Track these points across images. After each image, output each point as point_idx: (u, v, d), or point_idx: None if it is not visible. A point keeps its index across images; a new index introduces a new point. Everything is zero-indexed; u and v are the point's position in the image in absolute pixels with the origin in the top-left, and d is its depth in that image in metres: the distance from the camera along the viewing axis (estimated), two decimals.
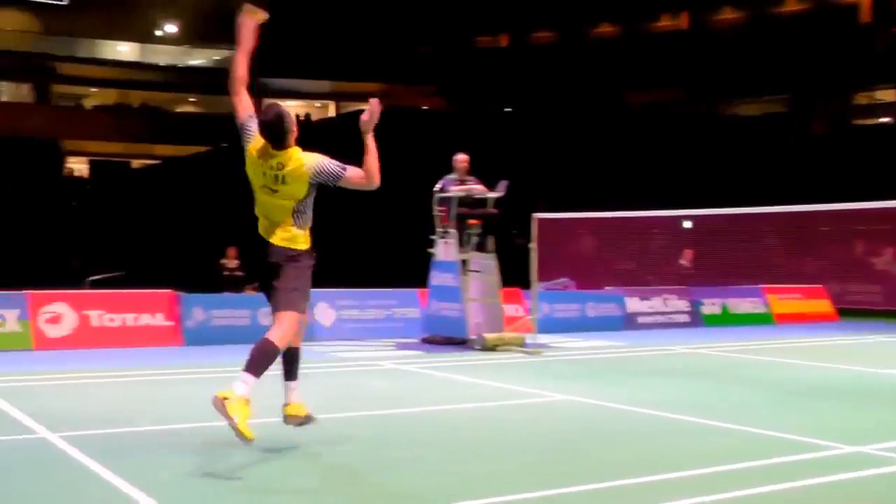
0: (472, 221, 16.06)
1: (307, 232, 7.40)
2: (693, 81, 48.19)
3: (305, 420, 7.71)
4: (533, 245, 15.18)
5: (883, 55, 43.01)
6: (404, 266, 19.27)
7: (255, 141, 7.43)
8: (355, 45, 54.51)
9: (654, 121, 43.98)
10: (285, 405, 7.67)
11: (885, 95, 48.61)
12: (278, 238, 7.28)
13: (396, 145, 34.27)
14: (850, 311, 23.54)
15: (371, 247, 28.00)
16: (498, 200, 16.04)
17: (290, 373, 7.67)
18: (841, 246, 28.78)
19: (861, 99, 49.11)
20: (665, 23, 53.41)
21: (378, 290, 17.82)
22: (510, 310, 17.63)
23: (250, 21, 7.68)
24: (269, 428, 8.30)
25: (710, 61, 47.91)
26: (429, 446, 8.00)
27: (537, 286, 15.70)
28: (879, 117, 48.54)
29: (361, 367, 13.20)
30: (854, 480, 6.84)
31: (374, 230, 29.42)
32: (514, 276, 17.22)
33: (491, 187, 16.05)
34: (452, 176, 16.14)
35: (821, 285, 24.02)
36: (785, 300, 22.67)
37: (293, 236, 7.30)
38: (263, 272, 7.41)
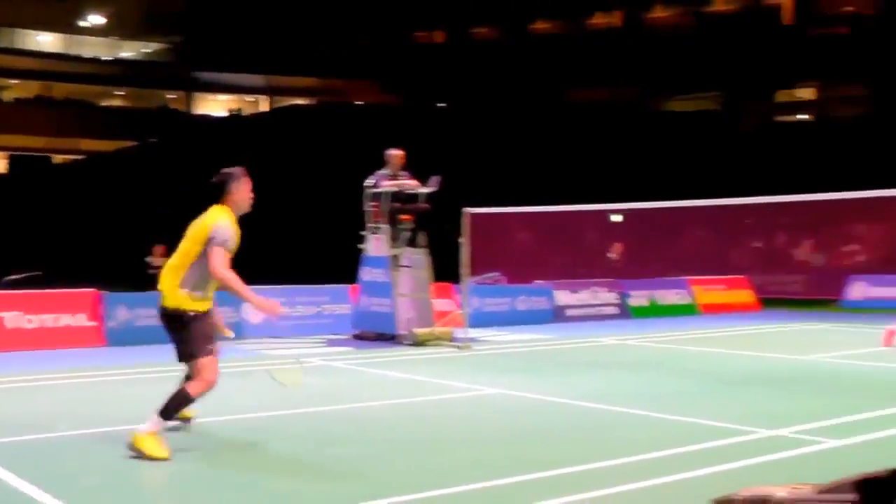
0: (403, 217, 16.12)
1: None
2: (627, 78, 48.69)
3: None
4: (464, 240, 15.29)
5: (804, 55, 43.82)
6: (335, 262, 19.30)
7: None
8: (290, 39, 54.21)
9: (589, 117, 44.41)
10: None
11: (805, 94, 49.60)
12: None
13: (331, 140, 34.36)
14: (772, 301, 24.04)
15: (302, 242, 27.97)
16: (430, 195, 16.12)
17: None
18: (763, 238, 29.35)
19: (783, 97, 50.03)
20: (600, 20, 53.83)
21: (308, 287, 17.81)
22: (441, 304, 17.75)
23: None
24: (202, 427, 8.37)
25: (644, 59, 48.44)
26: (361, 443, 8.04)
27: (468, 281, 15.82)
28: (799, 114, 49.50)
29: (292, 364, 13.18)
30: (771, 462, 7.13)
31: (305, 225, 29.38)
32: (445, 270, 17.33)
33: (424, 182, 16.13)
34: (385, 171, 16.16)
35: (744, 276, 24.52)
36: (709, 291, 23.10)
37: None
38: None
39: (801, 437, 8.05)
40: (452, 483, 6.53)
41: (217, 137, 42.29)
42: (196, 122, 53.07)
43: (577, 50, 50.86)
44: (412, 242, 16.21)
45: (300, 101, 53.57)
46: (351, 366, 13.15)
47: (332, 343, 15.89)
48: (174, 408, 7.29)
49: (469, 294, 16.24)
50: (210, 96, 58.99)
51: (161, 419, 7.16)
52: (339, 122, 38.10)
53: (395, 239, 16.04)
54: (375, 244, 16.14)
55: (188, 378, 7.56)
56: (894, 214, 25.49)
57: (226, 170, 7.73)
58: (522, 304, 19.79)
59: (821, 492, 2.74)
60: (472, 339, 15.63)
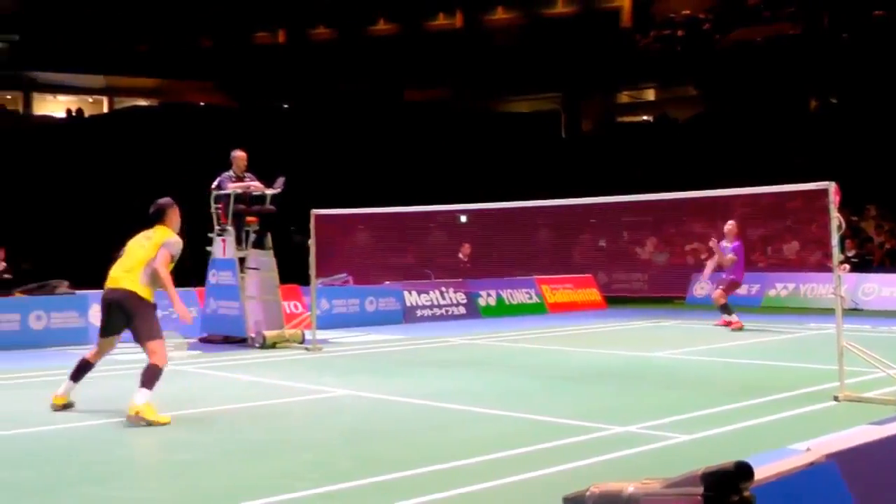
0: (249, 219, 15.93)
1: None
2: (468, 79, 49.05)
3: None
4: (311, 241, 15.17)
5: (643, 57, 44.94)
6: (181, 264, 18.87)
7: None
8: (130, 39, 53.03)
9: (431, 117, 44.58)
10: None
11: (646, 95, 50.86)
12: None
13: (173, 141, 33.74)
14: (618, 299, 24.51)
15: None
16: (275, 197, 15.97)
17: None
18: (608, 237, 29.94)
19: (624, 98, 51.16)
20: (441, 22, 54.18)
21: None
22: (289, 307, 17.59)
23: None
24: (42, 433, 8.09)
25: (484, 60, 48.89)
26: (208, 448, 7.90)
27: (316, 282, 15.70)
28: (641, 115, 50.71)
29: (136, 369, 12.86)
30: (621, 458, 7.23)
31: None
32: (293, 272, 17.16)
33: (269, 184, 15.97)
34: (229, 173, 15.92)
35: (590, 275, 24.94)
36: (557, 290, 23.42)
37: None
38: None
39: (650, 432, 8.19)
40: (299, 487, 6.45)
41: (58, 138, 41.06)
42: (36, 123, 51.42)
43: (417, 51, 51.08)
44: (259, 244, 16.04)
45: (141, 102, 52.51)
46: (199, 369, 12.91)
47: (179, 347, 15.56)
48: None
49: (317, 296, 16.12)
50: (50, 97, 57.24)
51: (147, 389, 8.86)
52: (182, 124, 37.42)
53: (241, 241, 15.84)
54: (222, 247, 15.90)
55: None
56: (731, 214, 26.29)
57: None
58: (371, 305, 19.74)
59: (669, 486, 2.76)
60: (322, 341, 15.52)
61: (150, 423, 8.59)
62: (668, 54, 43.96)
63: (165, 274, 9.44)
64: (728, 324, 17.76)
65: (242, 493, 6.28)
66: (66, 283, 16.70)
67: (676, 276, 25.62)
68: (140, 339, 9.27)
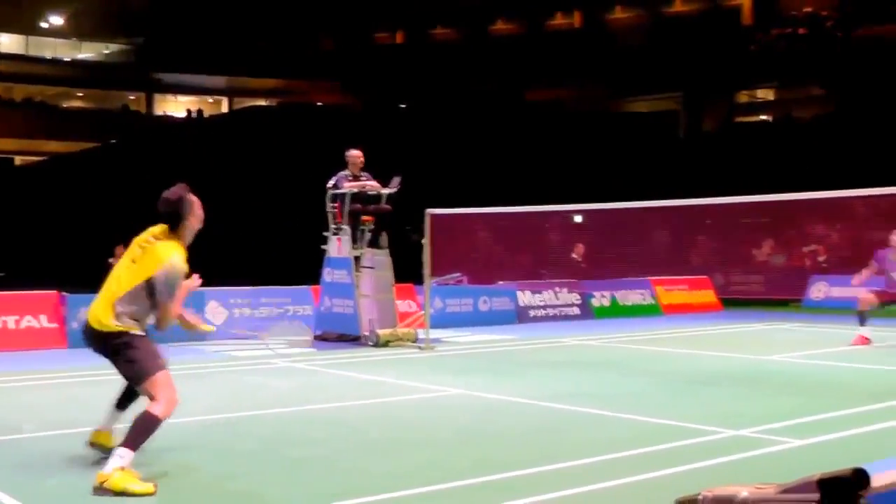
0: (365, 218, 16.08)
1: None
2: (588, 79, 48.76)
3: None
4: (426, 241, 15.25)
5: (762, 56, 44.15)
6: (297, 263, 19.21)
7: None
8: (251, 40, 54.07)
9: (549, 117, 44.45)
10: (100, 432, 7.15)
11: (766, 94, 49.94)
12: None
13: (291, 141, 34.26)
14: (734, 301, 24.14)
15: (263, 243, 27.82)
16: (391, 196, 16.10)
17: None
18: (724, 238, 29.50)
19: (743, 97, 50.34)
20: (559, 21, 53.99)
21: (270, 288, 17.70)
22: (403, 305, 17.72)
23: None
24: (166, 428, 8.29)
25: (604, 59, 48.56)
26: (323, 445, 7.99)
27: (430, 281, 15.78)
28: (760, 115, 49.83)
29: (254, 365, 13.13)
30: (734, 462, 7.14)
31: (267, 226, 29.23)
32: (407, 271, 17.29)
33: (384, 183, 16.11)
34: (346, 172, 16.12)
35: (706, 276, 24.62)
36: (672, 291, 23.16)
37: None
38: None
39: (764, 436, 8.07)
40: (413, 484, 6.50)
41: (178, 138, 42.08)
42: (157, 123, 52.82)
43: (537, 50, 50.97)
44: (374, 243, 16.17)
45: (261, 102, 53.49)
46: (313, 367, 13.09)
47: (294, 344, 15.79)
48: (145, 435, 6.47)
49: (431, 295, 16.19)
50: (171, 97, 58.69)
51: (129, 450, 6.30)
52: (300, 123, 38.04)
53: (356, 240, 16.00)
54: (337, 245, 16.08)
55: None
56: (854, 214, 25.69)
57: (172, 194, 6.79)
58: (485, 304, 19.77)
59: (784, 491, 2.72)
60: (436, 340, 15.60)
61: (120, 494, 6.14)
62: (792, 52, 43.06)
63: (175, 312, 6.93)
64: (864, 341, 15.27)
65: (354, 491, 6.36)
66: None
67: (793, 279, 25.13)
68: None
